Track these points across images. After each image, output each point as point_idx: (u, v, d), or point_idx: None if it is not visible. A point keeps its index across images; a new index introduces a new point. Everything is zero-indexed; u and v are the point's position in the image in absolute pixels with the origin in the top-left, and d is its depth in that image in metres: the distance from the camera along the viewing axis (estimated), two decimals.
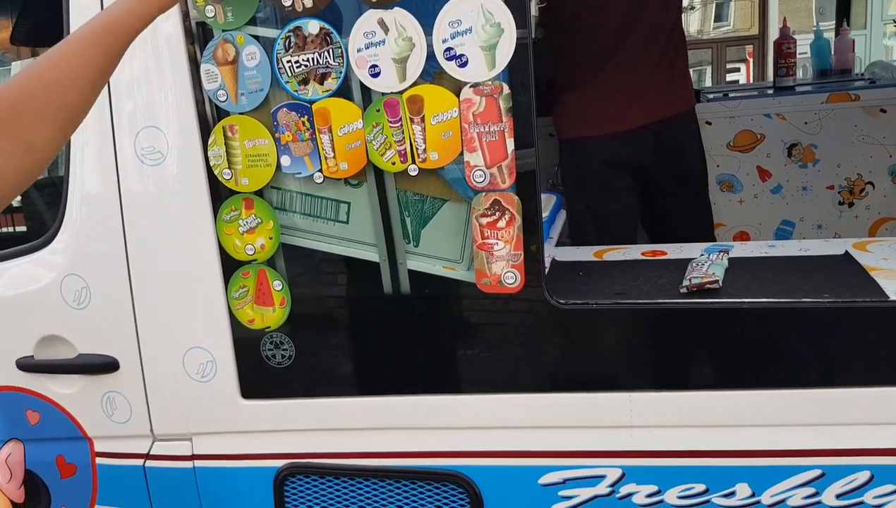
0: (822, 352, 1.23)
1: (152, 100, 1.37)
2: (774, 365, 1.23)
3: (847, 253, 1.42)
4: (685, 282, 1.27)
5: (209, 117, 1.34)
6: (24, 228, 1.95)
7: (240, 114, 1.32)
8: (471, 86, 1.22)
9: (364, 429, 1.40)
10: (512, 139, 1.23)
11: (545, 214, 1.76)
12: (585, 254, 1.60)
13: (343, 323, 1.40)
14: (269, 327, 1.40)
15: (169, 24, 1.32)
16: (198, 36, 1.32)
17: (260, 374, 1.41)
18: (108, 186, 1.42)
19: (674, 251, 1.52)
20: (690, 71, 2.40)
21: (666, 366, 1.30)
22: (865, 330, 1.21)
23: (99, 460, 1.56)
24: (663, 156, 2.20)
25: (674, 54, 2.21)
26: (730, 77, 9.19)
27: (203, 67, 1.31)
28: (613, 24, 2.14)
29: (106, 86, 1.36)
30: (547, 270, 1.44)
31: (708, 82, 10.34)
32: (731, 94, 2.98)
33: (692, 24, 10.19)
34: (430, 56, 1.23)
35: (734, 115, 2.67)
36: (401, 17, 1.22)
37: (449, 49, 1.21)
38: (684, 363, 1.29)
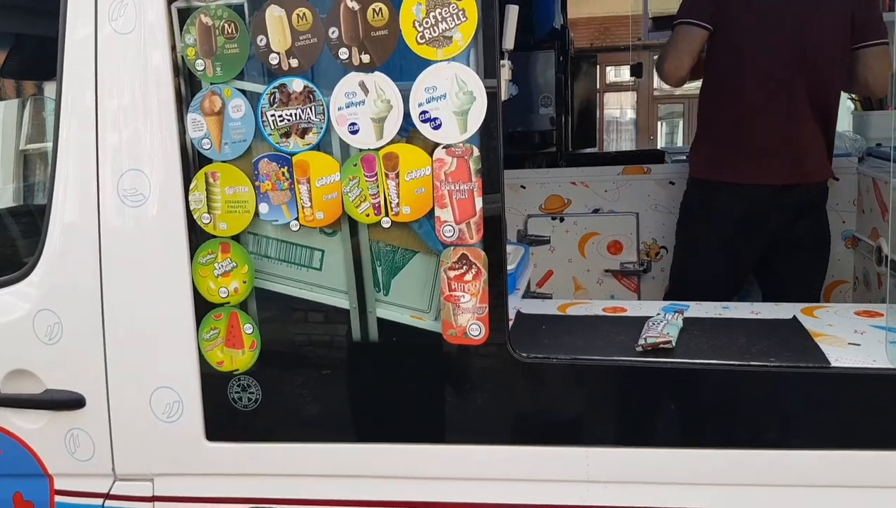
0: (769, 414, 1.29)
1: (137, 143, 1.41)
2: (724, 424, 1.29)
3: (795, 317, 1.50)
4: (640, 341, 1.34)
5: (192, 163, 1.39)
6: None
7: (222, 162, 1.38)
8: (443, 147, 1.29)
9: (328, 476, 1.43)
10: (480, 198, 1.29)
11: (512, 266, 1.81)
12: (550, 307, 1.66)
13: (311, 368, 1.43)
14: (237, 369, 1.43)
15: (158, 75, 1.38)
16: (185, 87, 1.38)
17: (226, 416, 1.43)
18: (88, 224, 1.45)
19: (633, 308, 1.59)
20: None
21: (622, 423, 1.35)
22: (808, 394, 1.27)
23: (58, 498, 1.55)
24: (795, 217, 2.23)
25: (826, 120, 2.25)
26: None
27: (189, 116, 1.37)
28: (776, 77, 2.17)
29: (94, 121, 1.41)
30: (511, 323, 1.49)
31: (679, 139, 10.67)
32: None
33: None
34: (407, 117, 1.29)
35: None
36: (380, 81, 1.29)
37: (424, 112, 1.28)
38: (640, 420, 1.34)
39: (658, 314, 1.45)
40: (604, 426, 1.35)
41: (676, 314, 1.45)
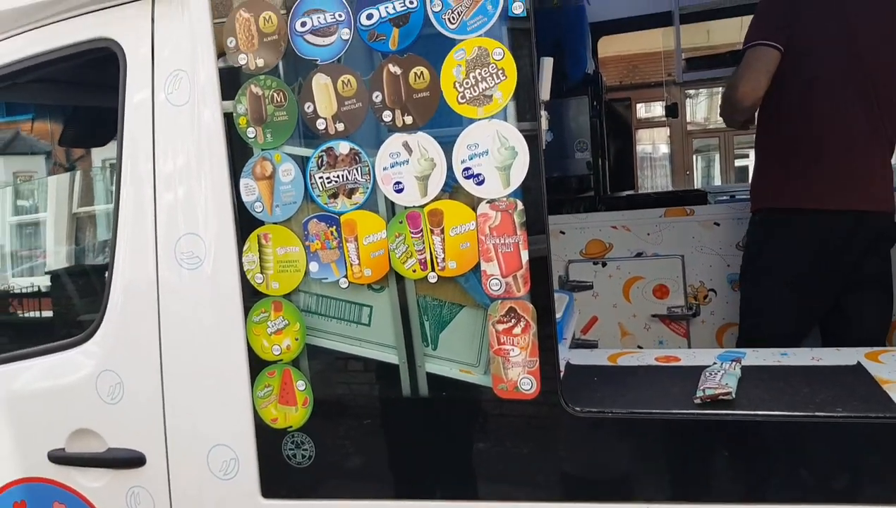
0: (836, 467, 1.24)
1: (193, 208, 1.48)
2: (788, 478, 1.24)
3: (859, 363, 1.45)
4: (699, 393, 1.31)
5: (245, 226, 1.44)
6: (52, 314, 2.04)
7: (274, 223, 1.43)
8: (487, 202, 1.31)
9: None
10: (526, 250, 1.31)
11: (559, 315, 1.81)
12: (600, 357, 1.65)
13: (363, 424, 1.44)
14: (291, 426, 1.45)
15: (210, 143, 1.44)
16: (237, 153, 1.44)
17: (280, 474, 1.45)
18: (148, 286, 1.51)
19: (687, 357, 1.57)
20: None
21: (681, 477, 1.31)
22: (879, 445, 1.22)
23: None
24: (867, 249, 2.14)
25: (893, 146, 2.20)
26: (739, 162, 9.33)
27: (242, 182, 1.43)
28: (847, 100, 2.12)
29: (152, 189, 1.48)
30: (562, 375, 1.49)
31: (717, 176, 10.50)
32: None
33: (699, 112, 10.46)
34: (450, 174, 1.33)
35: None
36: (423, 140, 1.33)
37: (467, 169, 1.32)
38: (700, 474, 1.30)
39: (714, 363, 1.43)
40: (662, 481, 1.31)
41: (734, 363, 1.42)
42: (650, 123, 10.66)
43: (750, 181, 2.42)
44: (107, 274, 1.57)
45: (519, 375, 1.32)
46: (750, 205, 2.37)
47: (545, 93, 1.55)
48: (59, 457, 1.59)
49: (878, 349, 1.53)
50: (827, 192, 2.12)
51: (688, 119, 10.15)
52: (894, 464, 1.22)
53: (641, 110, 10.41)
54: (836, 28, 2.15)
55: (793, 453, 1.26)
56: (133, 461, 1.53)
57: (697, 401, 1.30)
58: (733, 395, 1.30)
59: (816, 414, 1.24)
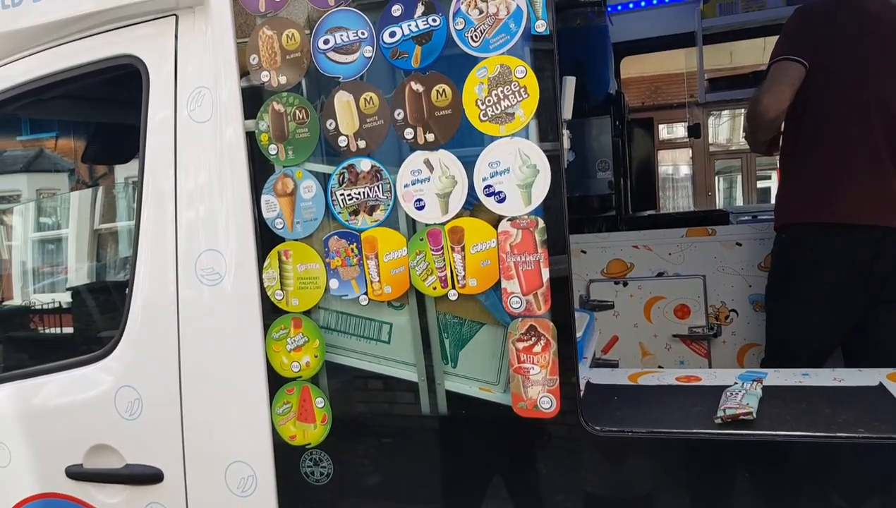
0: (859, 488, 1.21)
1: (214, 224, 1.48)
2: (810, 499, 1.22)
3: (881, 384, 1.42)
4: (720, 413, 1.29)
5: (265, 242, 1.45)
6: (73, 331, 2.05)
7: (294, 240, 1.43)
8: (508, 220, 1.31)
9: None
10: (547, 268, 1.30)
11: (580, 333, 1.80)
12: (620, 377, 1.63)
13: (381, 441, 1.43)
14: (309, 443, 1.44)
15: (232, 160, 1.45)
16: (259, 170, 1.45)
17: (298, 491, 1.44)
18: (168, 302, 1.52)
19: (708, 377, 1.54)
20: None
21: (701, 497, 1.29)
22: None
23: None
24: (891, 266, 2.11)
25: None
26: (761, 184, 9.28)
27: (263, 198, 1.44)
28: (872, 115, 2.10)
29: (173, 204, 1.49)
30: (582, 393, 1.47)
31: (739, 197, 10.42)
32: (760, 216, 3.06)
33: (721, 133, 10.43)
34: (471, 191, 1.32)
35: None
36: (444, 158, 1.33)
37: (488, 186, 1.31)
38: (720, 494, 1.28)
39: (735, 383, 1.40)
40: (682, 501, 1.29)
41: (755, 383, 1.40)
42: (673, 144, 10.64)
43: (774, 200, 2.40)
44: (127, 290, 1.57)
45: (539, 394, 1.31)
46: (773, 224, 2.35)
47: (567, 112, 1.54)
48: (76, 473, 1.59)
49: None
50: (853, 209, 2.11)
51: (710, 140, 10.12)
52: None
53: (664, 131, 10.40)
54: (855, 50, 2.15)
55: (814, 473, 1.24)
56: (151, 477, 1.53)
57: (718, 421, 1.28)
58: (754, 415, 1.27)
59: (838, 434, 1.21)
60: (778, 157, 2.37)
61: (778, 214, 2.33)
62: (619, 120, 3.68)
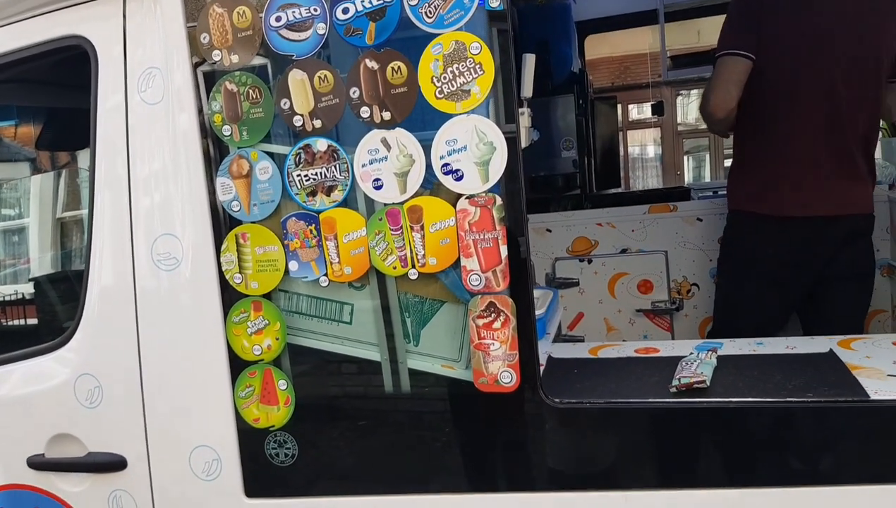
0: (808, 451, 1.26)
1: (169, 208, 1.46)
2: (762, 463, 1.26)
3: (831, 351, 1.47)
4: (674, 382, 1.32)
5: (222, 226, 1.43)
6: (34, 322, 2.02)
7: (252, 222, 1.42)
8: (466, 198, 1.31)
9: None
10: (505, 245, 1.31)
11: (543, 310, 1.82)
12: (581, 350, 1.65)
13: (345, 421, 1.44)
14: (273, 426, 1.44)
15: (186, 142, 1.43)
16: (213, 152, 1.43)
17: (263, 473, 1.44)
18: (125, 289, 1.50)
19: (666, 348, 1.57)
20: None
21: (659, 465, 1.32)
22: (848, 429, 1.24)
23: None
24: (840, 247, 2.17)
25: (867, 150, 2.21)
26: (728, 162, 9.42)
27: (219, 180, 1.42)
28: (815, 106, 2.11)
29: (126, 189, 1.47)
30: (543, 368, 1.49)
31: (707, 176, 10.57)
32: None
33: (690, 113, 10.53)
34: (429, 170, 1.32)
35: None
36: (402, 137, 1.33)
37: (446, 165, 1.31)
38: (677, 461, 1.32)
39: (691, 353, 1.44)
40: (641, 469, 1.32)
41: (710, 352, 1.43)
42: (642, 124, 10.72)
43: (727, 180, 2.45)
44: (83, 278, 1.55)
45: (499, 369, 1.32)
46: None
47: (528, 90, 1.55)
48: (38, 463, 1.57)
49: (850, 337, 1.54)
50: (792, 204, 2.15)
51: (679, 120, 10.22)
52: (863, 446, 1.24)
53: (633, 112, 10.47)
54: (805, 36, 2.15)
55: (765, 438, 1.27)
56: (114, 464, 1.52)
57: (673, 390, 1.31)
58: (708, 383, 1.31)
59: (788, 399, 1.25)
60: None
61: (728, 197, 2.39)
62: (582, 98, 3.69)
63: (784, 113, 2.17)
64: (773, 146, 2.19)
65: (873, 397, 1.24)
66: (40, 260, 2.25)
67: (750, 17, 2.16)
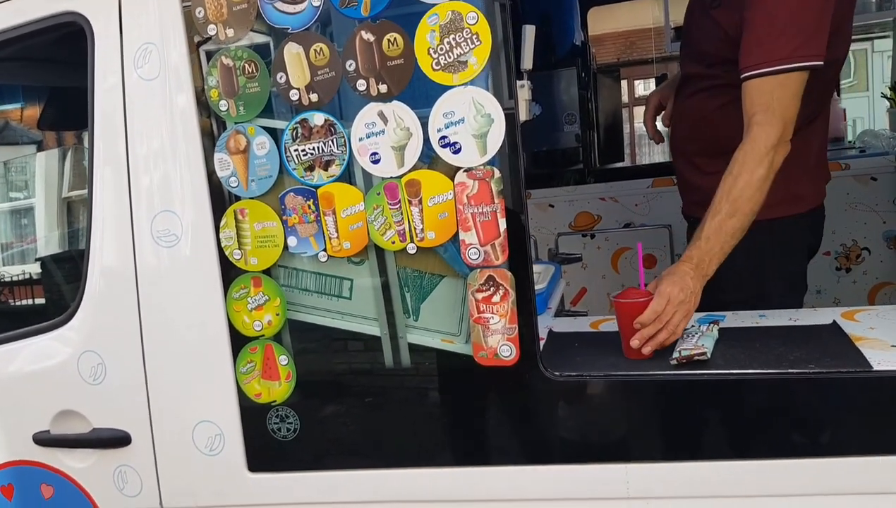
0: (810, 421, 1.26)
1: (168, 185, 1.46)
2: (764, 434, 1.26)
3: (835, 322, 1.46)
4: (675, 354, 1.31)
5: (221, 202, 1.43)
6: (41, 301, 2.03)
7: (250, 198, 1.41)
8: (464, 171, 1.30)
9: (368, 502, 1.43)
10: (504, 218, 1.30)
11: (544, 285, 1.81)
12: (582, 324, 1.65)
13: (346, 396, 1.44)
14: (274, 401, 1.45)
15: (184, 118, 1.42)
16: (211, 127, 1.42)
17: (266, 447, 1.45)
18: (126, 266, 1.50)
19: None
20: None
21: (660, 437, 1.33)
22: (851, 399, 1.24)
23: None
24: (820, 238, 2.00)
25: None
26: None
27: (216, 156, 1.41)
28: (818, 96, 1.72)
29: (125, 166, 1.47)
30: (544, 342, 1.49)
31: None
32: None
33: None
34: (427, 143, 1.31)
35: None
36: (399, 110, 1.32)
37: (444, 137, 1.30)
38: (678, 433, 1.32)
39: (693, 325, 1.43)
40: (641, 441, 1.32)
41: (712, 325, 1.42)
42: None
43: None
44: (84, 256, 1.55)
45: (499, 342, 1.32)
46: None
47: (528, 62, 1.52)
48: (43, 439, 1.58)
49: (854, 308, 1.53)
50: (810, 193, 1.89)
51: None
52: (865, 416, 1.24)
53: (640, 87, 10.34)
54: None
55: (767, 409, 1.27)
56: (118, 440, 1.53)
57: (673, 362, 1.31)
58: (708, 356, 1.30)
59: (789, 371, 1.25)
60: None
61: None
62: (585, 72, 3.66)
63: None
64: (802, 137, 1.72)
65: (876, 368, 1.23)
66: (43, 239, 2.26)
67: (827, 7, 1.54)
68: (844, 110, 3.15)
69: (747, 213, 1.44)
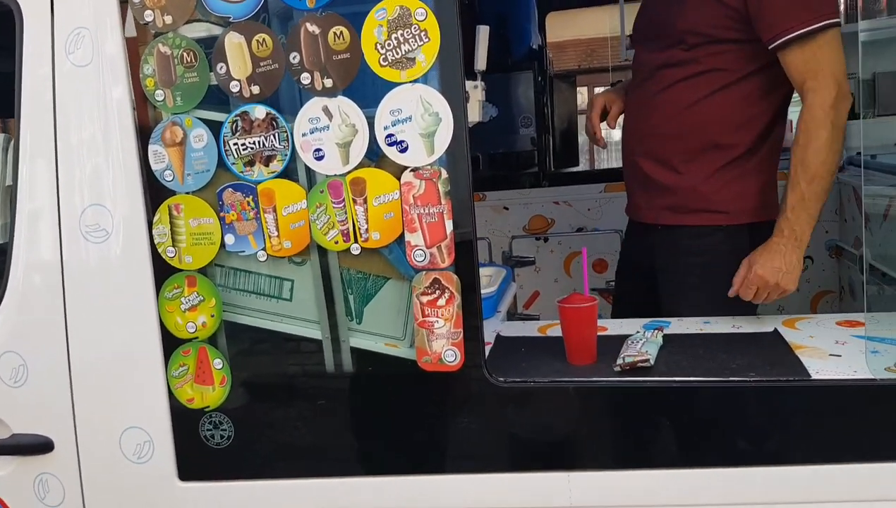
0: (750, 430, 1.26)
1: (98, 178, 1.39)
2: (705, 442, 1.25)
3: (776, 330, 1.47)
4: (619, 361, 1.30)
5: (155, 196, 1.36)
6: None
7: (186, 193, 1.35)
8: (411, 171, 1.26)
9: None
10: (451, 220, 1.27)
11: (493, 288, 1.79)
12: (530, 329, 1.63)
13: (284, 402, 1.39)
14: (208, 406, 1.38)
15: (117, 107, 1.35)
16: (146, 118, 1.35)
17: (198, 455, 1.39)
18: (51, 262, 1.42)
19: (614, 327, 1.56)
20: None
21: (603, 445, 1.31)
22: (789, 408, 1.24)
23: None
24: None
25: None
26: None
27: (151, 148, 1.34)
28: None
29: (53, 156, 1.39)
30: (490, 346, 1.46)
31: None
32: None
33: None
34: (373, 141, 1.27)
35: None
36: (344, 105, 1.27)
37: (390, 135, 1.26)
38: (621, 441, 1.31)
39: (638, 332, 1.42)
40: (585, 449, 1.31)
41: (656, 331, 1.42)
42: None
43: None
44: (7, 251, 1.46)
45: (443, 347, 1.29)
46: None
47: (481, 62, 1.50)
48: None
49: (795, 316, 1.55)
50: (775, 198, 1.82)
51: None
52: (803, 426, 1.24)
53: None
54: None
55: (707, 417, 1.27)
56: (40, 446, 1.44)
57: (617, 369, 1.30)
58: (652, 362, 1.29)
59: (731, 379, 1.25)
60: None
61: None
62: (542, 76, 3.65)
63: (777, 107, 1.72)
64: (774, 140, 1.74)
65: (814, 376, 1.24)
66: None
67: None
68: (791, 121, 3.21)
69: (825, 175, 1.51)
